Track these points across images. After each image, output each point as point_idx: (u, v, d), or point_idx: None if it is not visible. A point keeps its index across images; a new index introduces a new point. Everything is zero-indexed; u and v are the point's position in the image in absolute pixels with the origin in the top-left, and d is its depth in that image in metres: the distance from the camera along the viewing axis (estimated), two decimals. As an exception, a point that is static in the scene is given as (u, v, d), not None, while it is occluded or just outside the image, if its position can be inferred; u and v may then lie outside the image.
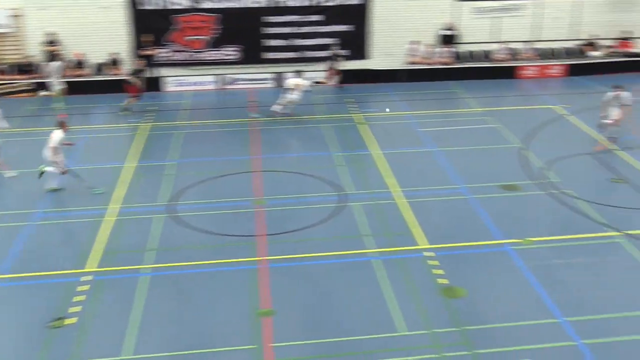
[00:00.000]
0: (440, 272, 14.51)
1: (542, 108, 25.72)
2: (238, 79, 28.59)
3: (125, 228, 16.56)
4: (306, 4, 28.27)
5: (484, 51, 30.02)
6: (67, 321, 12.87)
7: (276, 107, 24.84)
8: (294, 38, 28.61)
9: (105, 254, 15.34)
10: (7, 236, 16.19)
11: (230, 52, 28.52)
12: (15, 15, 27.54)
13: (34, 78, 27.60)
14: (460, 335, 12.45)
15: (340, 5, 28.45)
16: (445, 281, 14.18)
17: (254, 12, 28.12)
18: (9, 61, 27.93)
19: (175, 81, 28.25)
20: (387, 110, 22.59)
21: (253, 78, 28.66)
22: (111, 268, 14.76)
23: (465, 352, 12.00)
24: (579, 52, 30.45)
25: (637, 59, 30.30)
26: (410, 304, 13.42)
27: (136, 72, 25.73)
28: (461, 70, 29.30)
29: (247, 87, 28.53)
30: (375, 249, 15.52)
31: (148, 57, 27.15)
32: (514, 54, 30.02)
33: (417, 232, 16.21)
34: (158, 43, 27.74)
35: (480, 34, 29.84)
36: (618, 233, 16.16)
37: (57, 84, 26.19)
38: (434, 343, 12.27)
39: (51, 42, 27.40)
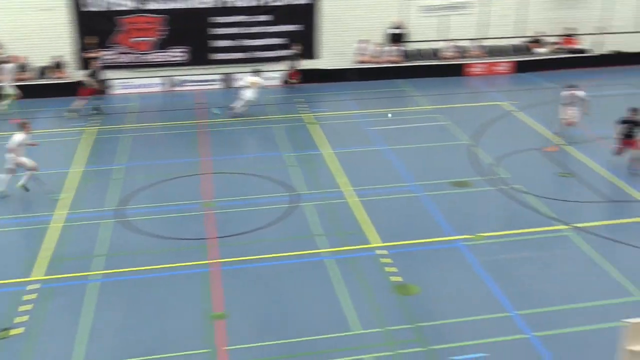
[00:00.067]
0: (393, 269, 14.52)
1: (490, 105, 26.01)
2: (186, 81, 28.24)
3: (72, 234, 16.19)
4: (254, 4, 28.07)
5: (433, 49, 30.24)
6: (13, 332, 12.51)
7: (236, 107, 24.63)
8: (242, 38, 28.38)
9: (52, 261, 14.98)
10: (-51, 246, 15.70)
11: (177, 53, 28.15)
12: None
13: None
14: (414, 332, 12.47)
15: (289, 5, 28.32)
16: (398, 279, 14.19)
17: (201, 13, 27.80)
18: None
19: (122, 84, 27.76)
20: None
21: (201, 79, 28.33)
22: (59, 276, 14.41)
23: (420, 349, 12.03)
24: (525, 49, 30.89)
25: (582, 55, 30.87)
26: (364, 302, 13.40)
27: (92, 74, 25.23)
28: (410, 69, 29.44)
29: (195, 89, 28.19)
30: (327, 248, 15.46)
31: (93, 60, 26.61)
32: (462, 52, 30.31)
33: (370, 230, 16.20)
34: (103, 45, 27.21)
35: (428, 32, 30.05)
36: (566, 226, 16.40)
37: (9, 88, 25.45)
38: (388, 341, 12.26)
39: (-2, 46, 26.70)
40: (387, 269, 14.57)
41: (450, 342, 12.19)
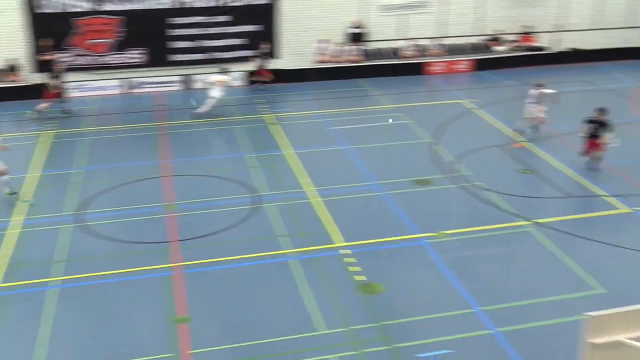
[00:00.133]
0: (357, 269, 14.49)
1: (450, 103, 26.17)
2: (144, 83, 27.88)
3: (30, 240, 15.85)
4: (212, 4, 27.83)
5: (393, 48, 30.31)
6: (-31, 341, 12.21)
7: (204, 107, 24.45)
8: (201, 39, 28.12)
9: (10, 268, 14.66)
10: None
11: (135, 55, 27.77)
12: None
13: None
14: (379, 331, 12.46)
15: (248, 5, 28.15)
16: (362, 278, 14.17)
17: (158, 14, 27.46)
18: None
19: (79, 86, 27.27)
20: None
21: (160, 81, 27.99)
22: (17, 283, 14.12)
23: (385, 347, 12.02)
24: (484, 47, 31.15)
25: (540, 53, 31.24)
26: (328, 302, 13.35)
27: (55, 77, 24.74)
28: (370, 68, 29.48)
29: (155, 91, 27.84)
30: (291, 249, 15.38)
31: (48, 63, 26.12)
32: (421, 51, 30.45)
33: (333, 230, 16.16)
34: (58, 47, 26.71)
35: (388, 31, 30.12)
36: (527, 222, 16.55)
37: None
38: (352, 340, 12.23)
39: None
40: (350, 268, 14.54)
41: (415, 339, 12.20)
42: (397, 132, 22.87)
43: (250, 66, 28.14)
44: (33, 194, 18.26)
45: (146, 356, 11.81)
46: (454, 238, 15.84)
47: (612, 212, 17.22)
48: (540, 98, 21.76)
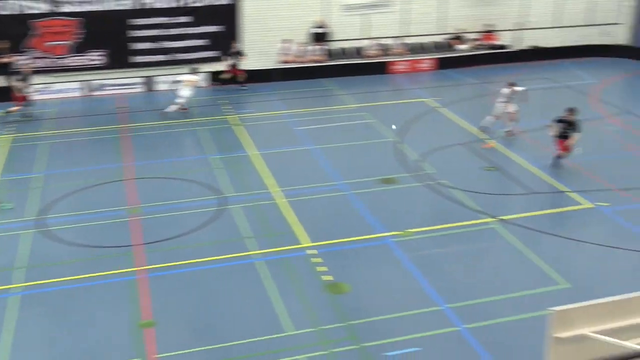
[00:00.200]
0: (323, 269, 14.45)
1: (414, 102, 26.28)
2: (105, 85, 27.49)
3: (-11, 247, 15.52)
4: (174, 5, 27.57)
5: (356, 48, 30.35)
6: None
7: (173, 106, 24.32)
8: (162, 40, 27.83)
9: (-31, 275, 14.32)
10: None
11: (95, 57, 27.36)
12: None
13: None
14: (347, 331, 12.42)
15: (209, 5, 27.93)
16: (329, 278, 14.13)
17: (118, 15, 27.10)
18: None
19: (38, 89, 26.75)
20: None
21: (122, 83, 27.63)
22: (-25, 290, 13.79)
23: (353, 347, 11.99)
24: (447, 45, 31.35)
25: (501, 51, 31.53)
26: (296, 303, 13.29)
27: (22, 79, 24.27)
28: (334, 68, 29.47)
29: (116, 93, 27.47)
30: (257, 250, 15.28)
31: (6, 65, 25.62)
32: (385, 50, 30.53)
33: (299, 230, 16.09)
34: (16, 50, 26.23)
35: (351, 30, 30.15)
36: (492, 219, 16.66)
37: None
38: (321, 340, 12.18)
39: None
40: (317, 268, 14.48)
41: (383, 338, 12.20)
42: (362, 132, 22.88)
43: (222, 66, 27.93)
44: (-8, 199, 17.91)
45: (111, 362, 11.65)
46: (420, 236, 15.88)
47: (576, 207, 17.42)
48: (512, 96, 21.79)
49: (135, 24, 27.39)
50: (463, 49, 31.17)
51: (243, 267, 14.60)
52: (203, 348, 12.00)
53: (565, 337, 8.12)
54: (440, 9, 30.99)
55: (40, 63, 26.83)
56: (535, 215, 16.92)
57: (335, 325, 12.60)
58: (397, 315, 12.88)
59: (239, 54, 27.74)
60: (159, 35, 27.73)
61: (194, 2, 27.75)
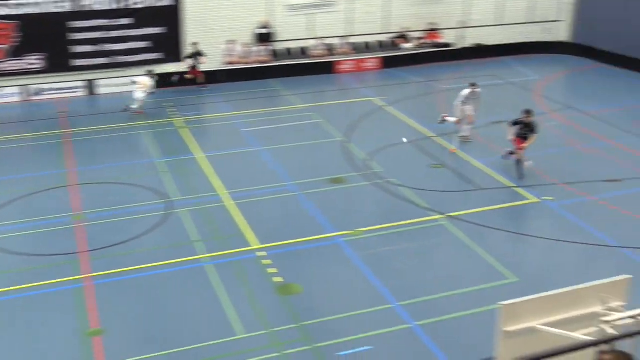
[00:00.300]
0: (274, 270, 14.33)
1: (361, 101, 26.33)
2: (45, 89, 26.81)
3: None
4: (114, 7, 27.04)
5: (301, 48, 30.29)
6: None
7: (132, 107, 24.16)
8: (103, 43, 27.27)
9: None
10: None
11: (33, 60, 26.66)
12: None
13: None
14: (299, 332, 12.34)
15: (150, 7, 27.48)
16: (280, 279, 14.02)
17: (57, 18, 26.43)
18: None
19: (-25, 95, 26.02)
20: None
21: (62, 87, 26.98)
22: None
23: (306, 347, 11.92)
24: (392, 44, 31.51)
25: (446, 49, 31.84)
26: (247, 305, 13.15)
27: None
28: (280, 68, 29.34)
29: (57, 97, 26.79)
30: (206, 254, 15.08)
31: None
32: (330, 50, 30.54)
33: (248, 233, 15.94)
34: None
35: (296, 30, 30.06)
36: (441, 216, 16.77)
37: None
38: (273, 342, 12.07)
39: None
40: (268, 270, 14.36)
41: (336, 338, 12.15)
42: (310, 132, 22.81)
43: (182, 67, 27.52)
44: None
45: (58, 373, 11.34)
46: (370, 235, 15.89)
47: (522, 202, 17.66)
48: (472, 97, 21.38)
49: (74, 26, 26.75)
50: (407, 47, 31.38)
51: (192, 271, 14.40)
52: (153, 355, 11.77)
53: (514, 330, 8.21)
54: (384, 8, 31.13)
55: (-25, 68, 26.05)
56: (483, 211, 17.09)
57: (288, 326, 12.50)
58: (349, 315, 12.85)
59: (198, 54, 27.41)
60: (100, 38, 27.16)
61: (134, 4, 27.29)
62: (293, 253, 15.13)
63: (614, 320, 7.84)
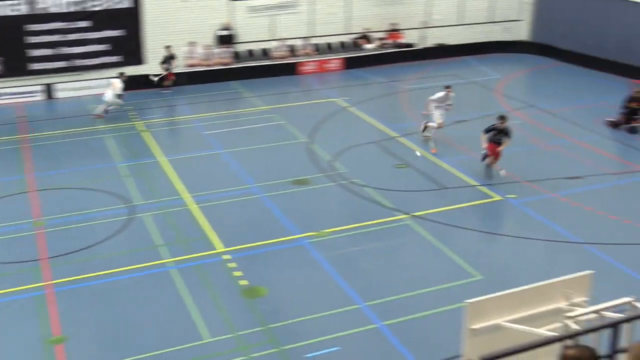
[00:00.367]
0: (239, 273, 14.23)
1: (324, 102, 26.30)
2: (2, 94, 26.25)
3: None
4: (71, 9, 26.60)
5: (263, 49, 30.16)
6: None
7: (100, 109, 23.98)
8: (61, 46, 26.81)
9: None
10: None
11: (-11, 65, 26.16)
12: None
13: None
14: (266, 334, 12.26)
15: (108, 9, 27.09)
16: (245, 282, 13.92)
17: (13, 21, 25.91)
18: None
19: None
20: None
21: (20, 92, 26.46)
22: None
23: (273, 350, 11.85)
24: (354, 45, 31.55)
25: (408, 49, 31.96)
26: (213, 309, 13.03)
27: None
28: (242, 70, 29.16)
29: (15, 102, 26.27)
30: (171, 258, 14.92)
31: None
32: (292, 51, 30.46)
33: (213, 236, 15.80)
34: None
35: (257, 32, 29.92)
36: (406, 215, 16.81)
37: None
38: (240, 346, 11.98)
39: None
40: (233, 273, 14.26)
41: (303, 340, 12.10)
42: (273, 134, 22.71)
43: (160, 69, 27.21)
44: None
45: (19, 383, 11.10)
46: (335, 236, 15.86)
47: (485, 201, 17.79)
48: (445, 100, 21.16)
49: (31, 29, 26.28)
50: (370, 48, 31.43)
51: (157, 276, 14.23)
52: (117, 362, 11.60)
53: (480, 328, 8.23)
54: (346, 9, 31.16)
55: None
56: (447, 210, 17.18)
57: (254, 329, 12.42)
58: (316, 316, 12.80)
59: (171, 57, 27.12)
60: (58, 41, 26.71)
61: (92, 6, 26.89)
62: (258, 256, 15.03)
63: (578, 316, 7.90)
